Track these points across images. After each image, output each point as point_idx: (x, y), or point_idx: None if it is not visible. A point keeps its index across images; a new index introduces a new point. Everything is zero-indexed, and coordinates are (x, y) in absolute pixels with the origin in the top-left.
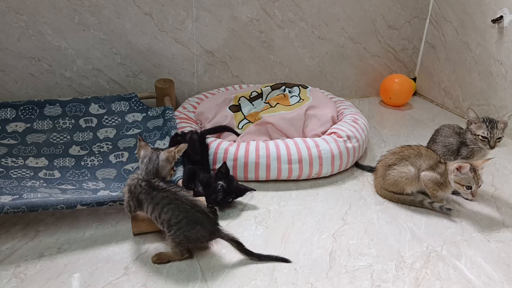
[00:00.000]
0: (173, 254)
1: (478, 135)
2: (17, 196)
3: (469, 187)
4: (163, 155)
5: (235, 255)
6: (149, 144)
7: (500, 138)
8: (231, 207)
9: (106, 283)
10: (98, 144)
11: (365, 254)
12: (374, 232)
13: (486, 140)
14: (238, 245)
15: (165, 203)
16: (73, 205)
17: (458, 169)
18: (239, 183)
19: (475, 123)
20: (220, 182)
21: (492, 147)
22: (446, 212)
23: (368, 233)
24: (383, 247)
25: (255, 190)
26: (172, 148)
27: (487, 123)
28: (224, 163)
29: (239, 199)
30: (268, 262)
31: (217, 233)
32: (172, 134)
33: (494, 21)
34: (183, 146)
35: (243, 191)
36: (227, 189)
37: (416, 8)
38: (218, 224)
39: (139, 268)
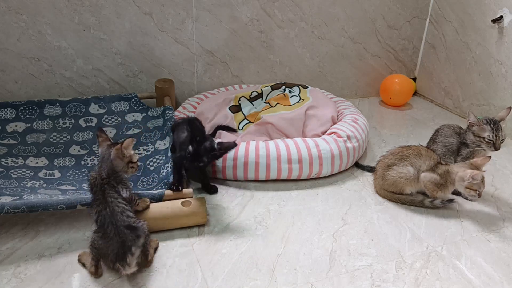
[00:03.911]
0: (85, 255)
1: (483, 137)
2: (18, 197)
3: (478, 190)
4: (113, 153)
5: (235, 255)
6: (109, 138)
7: (503, 139)
8: (231, 207)
9: (106, 283)
10: None
11: (365, 254)
12: (374, 232)
13: (491, 142)
14: None
15: (97, 204)
16: (73, 205)
17: (473, 177)
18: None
19: (478, 125)
20: (189, 148)
21: (497, 149)
22: (448, 205)
23: (368, 233)
24: (383, 247)
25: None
26: (118, 145)
27: (491, 125)
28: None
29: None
30: None
31: (122, 260)
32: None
33: (494, 21)
34: (129, 141)
35: (212, 150)
36: (195, 153)
37: (416, 8)
38: (128, 251)
39: (139, 268)
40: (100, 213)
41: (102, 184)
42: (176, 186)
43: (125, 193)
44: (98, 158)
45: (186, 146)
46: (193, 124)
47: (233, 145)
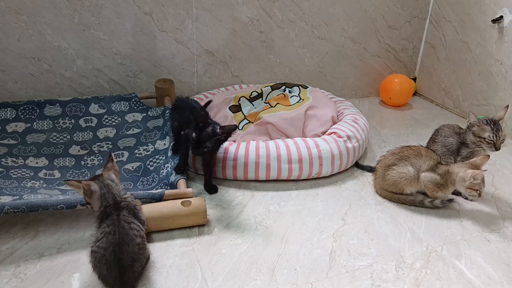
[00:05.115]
0: None
1: (484, 138)
2: (17, 197)
3: (478, 190)
4: (110, 175)
5: (235, 255)
6: (89, 181)
7: (503, 139)
8: (231, 207)
9: None
10: (98, 143)
11: (365, 254)
12: (374, 232)
13: (492, 142)
14: None
15: (106, 224)
16: (73, 205)
17: (474, 177)
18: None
19: (478, 126)
20: (192, 135)
21: (497, 149)
22: (448, 205)
23: (368, 233)
24: (383, 247)
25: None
26: (109, 165)
27: (491, 125)
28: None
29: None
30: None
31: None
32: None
33: (494, 21)
34: (113, 157)
35: (214, 135)
36: (198, 140)
37: (416, 8)
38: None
39: None
40: (108, 235)
41: (119, 208)
42: (181, 169)
43: (142, 216)
44: (99, 191)
45: (192, 125)
46: (196, 110)
47: (234, 127)
